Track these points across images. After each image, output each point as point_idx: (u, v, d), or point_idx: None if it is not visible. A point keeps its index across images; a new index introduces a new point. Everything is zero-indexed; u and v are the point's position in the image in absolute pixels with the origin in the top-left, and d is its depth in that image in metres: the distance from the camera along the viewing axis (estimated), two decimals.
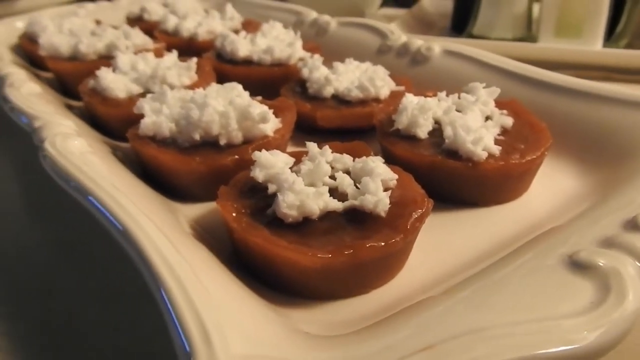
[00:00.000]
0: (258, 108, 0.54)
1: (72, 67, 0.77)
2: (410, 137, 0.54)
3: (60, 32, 0.88)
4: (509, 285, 0.36)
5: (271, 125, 0.55)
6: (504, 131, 0.55)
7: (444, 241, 0.47)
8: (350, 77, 0.67)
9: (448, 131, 0.52)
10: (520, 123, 0.56)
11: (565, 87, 0.63)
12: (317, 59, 0.71)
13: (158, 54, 0.80)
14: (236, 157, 0.52)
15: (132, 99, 0.65)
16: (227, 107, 0.53)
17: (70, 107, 0.74)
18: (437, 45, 0.75)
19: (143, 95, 0.66)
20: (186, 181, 0.53)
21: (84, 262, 0.52)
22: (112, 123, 0.66)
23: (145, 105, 0.57)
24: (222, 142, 0.53)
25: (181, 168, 0.52)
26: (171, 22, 0.93)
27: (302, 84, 0.71)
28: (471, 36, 1.07)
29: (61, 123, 0.57)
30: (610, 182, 0.52)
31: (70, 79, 0.78)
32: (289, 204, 0.41)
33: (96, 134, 0.65)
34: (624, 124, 0.55)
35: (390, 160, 0.52)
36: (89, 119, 0.70)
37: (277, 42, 0.79)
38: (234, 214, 0.42)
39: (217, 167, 0.52)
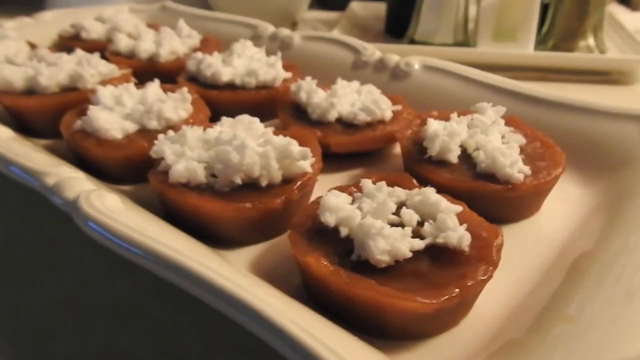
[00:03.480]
0: (297, 146, 0.53)
1: (36, 102, 0.69)
2: (440, 163, 0.56)
3: None
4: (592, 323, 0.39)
5: (309, 161, 0.54)
6: (520, 149, 0.59)
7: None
8: (349, 99, 0.68)
9: (481, 155, 0.54)
10: (528, 140, 0.61)
11: (545, 100, 0.68)
12: (310, 81, 0.70)
13: (124, 81, 0.75)
14: (284, 197, 0.51)
15: (130, 139, 0.61)
16: (265, 147, 0.52)
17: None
18: (417, 61, 0.78)
19: (141, 133, 0.62)
20: (232, 227, 0.51)
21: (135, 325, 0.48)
22: (110, 166, 0.61)
23: (166, 149, 0.54)
24: (264, 183, 0.52)
25: (231, 215, 0.50)
26: (123, 43, 0.87)
27: (297, 107, 0.70)
28: (413, 41, 1.11)
29: (77, 176, 0.52)
30: (611, 191, 0.58)
31: (31, 116, 0.71)
32: (381, 250, 0.42)
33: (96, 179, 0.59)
34: (614, 136, 0.62)
35: (424, 186, 0.54)
36: (72, 160, 0.64)
37: (254, 63, 0.77)
38: (331, 268, 0.42)
39: (267, 211, 0.50)
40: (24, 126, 0.72)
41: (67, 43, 0.94)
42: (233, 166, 0.51)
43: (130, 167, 0.61)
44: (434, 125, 0.58)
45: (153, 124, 0.62)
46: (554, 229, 0.55)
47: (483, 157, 0.54)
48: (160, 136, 0.57)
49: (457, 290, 0.40)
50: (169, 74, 0.81)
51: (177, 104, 0.65)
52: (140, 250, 0.41)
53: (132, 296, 0.51)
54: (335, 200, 0.46)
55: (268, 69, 0.75)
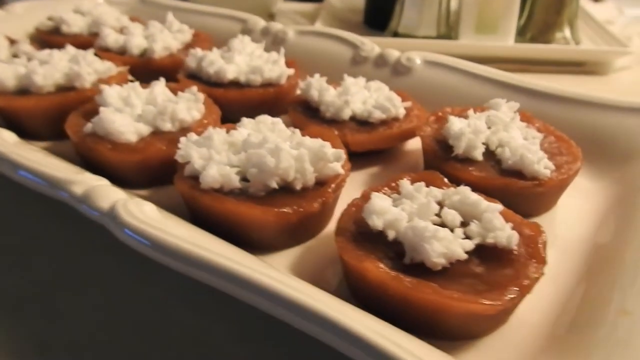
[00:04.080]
0: (330, 148, 0.52)
1: (34, 103, 0.65)
2: (465, 160, 0.57)
3: None
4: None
5: (341, 162, 0.54)
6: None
7: None
8: (361, 96, 0.67)
9: (506, 152, 0.55)
10: (543, 135, 0.62)
11: (550, 94, 0.70)
12: (320, 79, 0.70)
13: (122, 79, 0.72)
14: (321, 201, 0.50)
15: (147, 142, 0.58)
16: (299, 149, 0.51)
17: None
18: (418, 56, 0.78)
19: (155, 135, 0.60)
20: (270, 232, 0.50)
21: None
22: (124, 170, 0.58)
23: (193, 153, 0.52)
24: (298, 186, 0.51)
25: (271, 220, 0.49)
26: (111, 38, 0.83)
27: (307, 106, 0.69)
28: (396, 34, 1.11)
29: (104, 184, 0.49)
30: (623, 184, 0.61)
31: (27, 117, 0.67)
32: (437, 253, 0.42)
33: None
34: (623, 129, 0.64)
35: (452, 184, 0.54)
36: (79, 163, 0.61)
37: (256, 60, 0.76)
38: (391, 273, 0.42)
39: (306, 215, 0.50)
40: (17, 127, 0.68)
41: (47, 37, 0.89)
42: (269, 170, 0.50)
43: (146, 171, 0.59)
44: (457, 123, 0.59)
45: (167, 126, 0.60)
46: (572, 222, 0.57)
47: (509, 154, 0.55)
48: (183, 139, 0.55)
49: (517, 289, 0.41)
50: (164, 71, 0.77)
51: (189, 104, 0.63)
52: (196, 260, 0.40)
53: (163, 307, 0.49)
54: (380, 203, 0.46)
55: (272, 66, 0.74)
